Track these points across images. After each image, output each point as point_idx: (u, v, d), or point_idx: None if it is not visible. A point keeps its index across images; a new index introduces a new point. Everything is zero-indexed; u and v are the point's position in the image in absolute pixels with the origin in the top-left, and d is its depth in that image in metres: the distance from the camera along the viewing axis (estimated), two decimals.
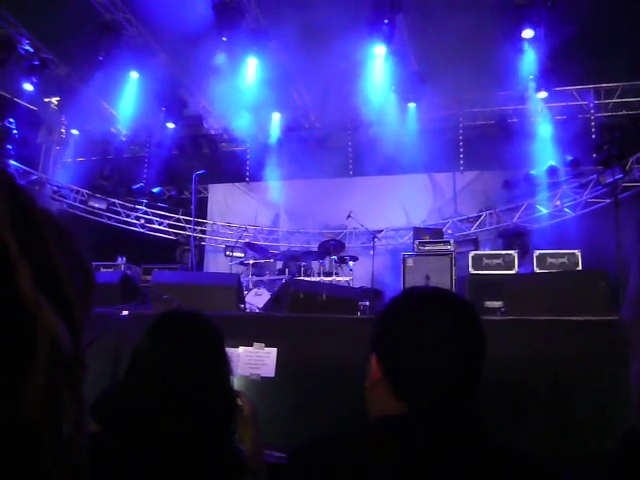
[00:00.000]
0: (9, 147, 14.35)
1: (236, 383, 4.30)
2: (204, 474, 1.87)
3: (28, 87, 14.29)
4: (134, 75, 14.32)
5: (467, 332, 1.65)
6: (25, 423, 0.63)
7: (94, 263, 12.37)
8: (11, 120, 14.39)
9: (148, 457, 1.80)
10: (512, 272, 9.77)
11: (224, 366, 2.04)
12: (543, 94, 13.35)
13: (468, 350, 1.64)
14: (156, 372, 1.90)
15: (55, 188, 16.08)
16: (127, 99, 14.81)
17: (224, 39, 12.61)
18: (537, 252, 10.00)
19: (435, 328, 1.62)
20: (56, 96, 15.93)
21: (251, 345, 4.73)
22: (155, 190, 16.25)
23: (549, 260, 9.67)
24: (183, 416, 1.84)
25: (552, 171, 13.46)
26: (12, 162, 14.70)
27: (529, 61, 12.45)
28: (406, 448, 1.54)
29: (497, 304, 7.95)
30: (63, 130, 17.41)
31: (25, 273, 0.64)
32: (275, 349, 4.68)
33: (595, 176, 13.08)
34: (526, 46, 12.19)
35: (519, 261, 10.15)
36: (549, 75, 12.58)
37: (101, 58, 13.06)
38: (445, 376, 1.60)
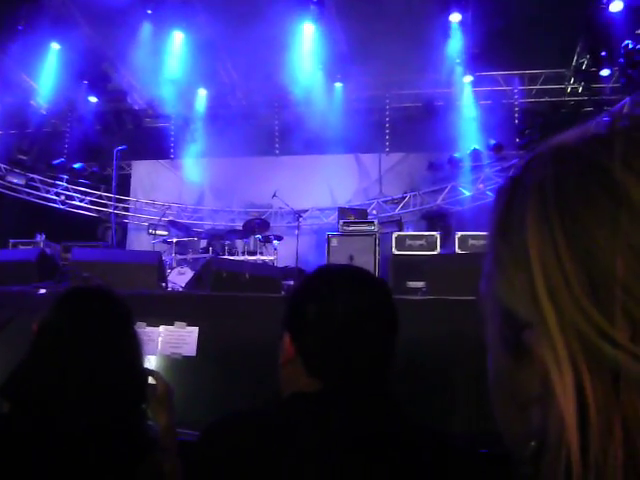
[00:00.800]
0: None
1: (157, 362, 4.24)
2: (111, 452, 1.83)
3: None
4: (55, 46, 13.84)
5: (379, 310, 1.67)
6: None
7: (12, 240, 12.04)
8: None
9: (53, 437, 1.75)
10: (434, 253, 9.92)
11: (132, 344, 2.00)
12: (469, 78, 13.55)
13: (381, 328, 1.66)
14: (60, 348, 1.85)
15: None
16: (48, 71, 14.30)
17: (149, 12, 12.36)
18: (459, 234, 10.18)
19: (346, 306, 1.63)
20: None
21: (172, 324, 4.67)
22: (76, 166, 15.80)
23: (470, 242, 9.85)
24: (88, 395, 1.79)
25: (476, 154, 13.69)
26: None
27: (456, 45, 12.60)
28: (316, 425, 1.55)
29: (419, 284, 8.06)
30: None
31: None
32: (197, 328, 4.63)
33: (517, 160, 13.34)
34: (454, 30, 12.33)
35: (441, 242, 10.31)
36: (475, 60, 12.76)
37: (20, 27, 12.61)
38: (357, 353, 1.62)
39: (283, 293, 7.38)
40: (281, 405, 1.68)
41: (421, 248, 10.16)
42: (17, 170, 15.46)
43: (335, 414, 1.55)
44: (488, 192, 13.68)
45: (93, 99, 15.16)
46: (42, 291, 5.41)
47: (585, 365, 0.53)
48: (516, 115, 14.15)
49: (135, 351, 2.01)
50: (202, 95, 15.51)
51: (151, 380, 2.20)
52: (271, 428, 1.59)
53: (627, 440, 0.50)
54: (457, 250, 9.89)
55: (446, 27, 12.28)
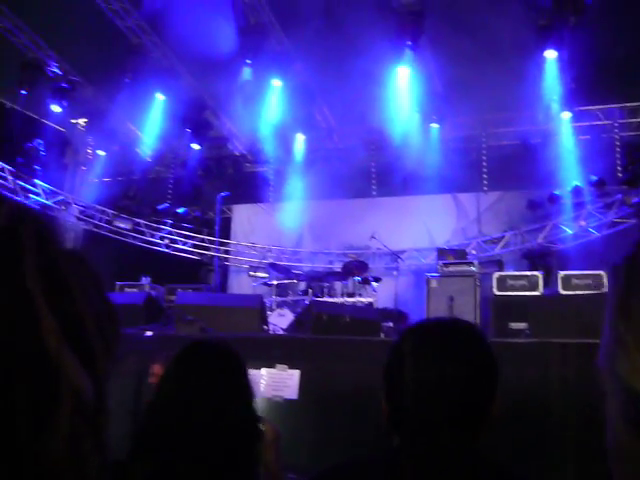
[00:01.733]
0: (37, 167, 14.57)
1: (259, 405, 4.29)
2: None
3: (56, 109, 14.53)
4: (160, 97, 14.47)
5: (469, 374, 1.66)
6: (49, 474, 0.63)
7: (119, 283, 12.48)
8: (39, 141, 14.62)
9: None
10: (537, 293, 9.68)
11: (247, 393, 2.06)
12: (567, 114, 13.31)
13: (469, 395, 1.65)
14: (178, 400, 1.92)
15: (81, 208, 16.23)
16: (153, 120, 14.96)
17: (248, 61, 12.75)
18: (562, 273, 9.91)
19: (428, 375, 1.64)
20: (83, 117, 16.17)
21: (274, 367, 4.73)
22: (180, 210, 16.33)
23: (574, 281, 9.57)
24: (207, 444, 1.85)
25: (577, 191, 13.35)
26: (39, 182, 14.91)
27: (552, 81, 12.42)
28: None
29: (522, 325, 7.89)
30: (89, 151, 17.63)
31: (49, 325, 0.65)
32: (298, 371, 4.67)
33: (620, 196, 12.97)
34: (549, 66, 12.18)
35: (544, 282, 10.06)
36: (573, 95, 12.53)
37: (127, 80, 13.26)
38: (436, 415, 1.62)
39: (382, 335, 7.37)
40: (379, 459, 1.71)
41: (523, 288, 9.93)
42: (124, 215, 16.08)
43: (409, 472, 1.58)
44: (590, 229, 13.31)
45: (196, 146, 15.67)
46: (149, 333, 5.59)
47: None
48: (617, 149, 13.77)
49: (250, 400, 2.06)
50: (300, 139, 15.82)
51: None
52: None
53: None
54: (560, 290, 9.63)
55: (541, 64, 12.15)
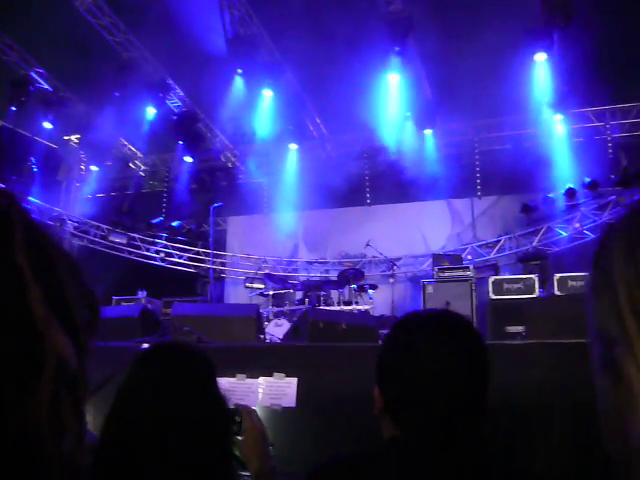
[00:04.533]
0: (30, 185, 14.55)
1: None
2: None
3: (47, 126, 14.54)
4: (151, 111, 14.47)
5: (463, 356, 1.66)
6: (30, 434, 0.67)
7: (115, 297, 12.46)
8: (32, 159, 14.61)
9: None
10: (533, 296, 9.69)
11: (212, 402, 1.97)
12: (559, 117, 13.36)
13: (464, 374, 1.65)
14: (137, 407, 1.87)
15: (76, 224, 16.23)
16: (145, 134, 14.95)
17: (239, 71, 12.78)
18: (558, 275, 9.94)
19: (425, 355, 1.65)
20: (75, 134, 16.17)
21: (271, 375, 4.71)
22: (174, 224, 16.33)
23: (570, 283, 9.59)
24: (163, 456, 1.79)
25: (570, 193, 13.38)
26: (33, 199, 14.89)
27: (543, 84, 12.47)
28: (395, 472, 1.60)
29: (519, 329, 7.89)
30: (82, 167, 17.63)
31: (37, 294, 0.70)
32: (296, 379, 4.66)
33: (614, 197, 13.00)
34: (539, 69, 12.22)
35: (540, 285, 10.08)
36: (564, 98, 12.57)
37: (117, 94, 13.26)
38: (437, 402, 1.62)
39: (380, 342, 7.36)
40: (374, 452, 1.71)
41: (519, 292, 9.95)
42: (119, 230, 16.08)
43: (408, 464, 1.58)
44: (586, 231, 13.33)
45: (188, 159, 15.68)
46: (145, 346, 5.55)
47: None
48: (610, 151, 13.80)
49: (215, 410, 1.98)
50: (293, 149, 15.81)
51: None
52: (365, 474, 1.64)
53: None
54: (556, 292, 9.65)
55: (532, 67, 12.20)
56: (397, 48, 11.71)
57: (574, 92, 12.22)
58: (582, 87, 11.88)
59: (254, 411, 2.34)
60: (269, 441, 2.34)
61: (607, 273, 0.65)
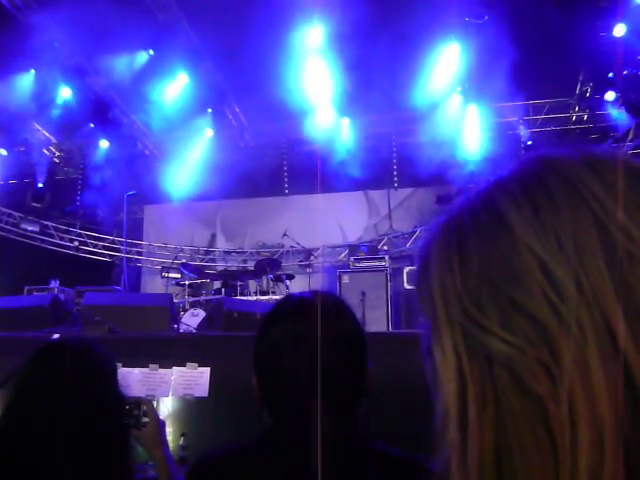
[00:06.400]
0: None
1: (170, 404, 4.25)
2: None
3: None
4: (65, 93, 14.01)
5: (331, 345, 1.60)
6: None
7: (27, 287, 12.11)
8: None
9: None
10: None
11: (110, 403, 1.93)
12: (473, 109, 13.64)
13: (333, 363, 1.60)
14: (29, 407, 1.83)
15: None
16: (58, 118, 14.48)
17: (151, 52, 12.64)
18: None
19: (289, 348, 1.64)
20: None
21: (184, 365, 4.68)
22: (89, 211, 15.96)
23: None
24: (53, 449, 1.76)
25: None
26: None
27: (456, 76, 12.73)
28: (269, 464, 1.63)
29: None
30: None
31: None
32: (208, 369, 4.64)
33: None
34: (453, 60, 12.44)
35: None
36: (477, 91, 12.85)
37: (31, 72, 12.86)
38: (302, 390, 1.60)
39: None
40: (252, 443, 1.72)
41: None
42: (31, 217, 15.61)
43: (280, 455, 1.61)
44: None
45: (104, 143, 15.34)
46: (55, 336, 5.44)
47: (464, 350, 0.63)
48: (522, 145, 14.19)
49: (113, 411, 1.94)
50: (210, 137, 15.57)
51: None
52: (249, 463, 1.67)
53: (497, 402, 0.61)
54: None
55: (445, 58, 12.42)
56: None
57: (487, 86, 12.45)
58: (495, 81, 12.09)
59: (150, 402, 2.35)
60: (182, 431, 2.35)
61: (425, 265, 0.72)
